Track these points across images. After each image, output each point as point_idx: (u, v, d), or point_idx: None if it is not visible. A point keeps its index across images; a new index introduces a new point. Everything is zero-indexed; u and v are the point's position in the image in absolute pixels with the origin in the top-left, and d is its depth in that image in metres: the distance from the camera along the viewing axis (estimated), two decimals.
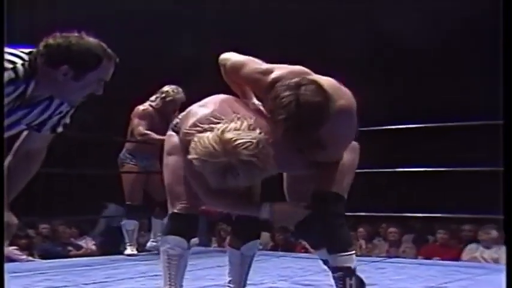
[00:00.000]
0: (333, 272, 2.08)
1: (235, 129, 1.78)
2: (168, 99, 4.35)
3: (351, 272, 2.05)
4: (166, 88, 4.41)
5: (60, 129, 1.74)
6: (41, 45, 1.57)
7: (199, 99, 2.11)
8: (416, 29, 6.98)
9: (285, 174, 2.31)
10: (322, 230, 2.07)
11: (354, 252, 2.08)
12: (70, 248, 6.20)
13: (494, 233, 5.32)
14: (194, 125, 1.92)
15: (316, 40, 7.35)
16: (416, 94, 7.78)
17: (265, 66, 2.04)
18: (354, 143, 2.17)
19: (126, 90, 4.99)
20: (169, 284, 2.12)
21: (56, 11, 6.43)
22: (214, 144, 1.76)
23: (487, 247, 5.34)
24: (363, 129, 2.20)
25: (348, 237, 2.13)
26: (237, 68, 2.07)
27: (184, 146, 1.95)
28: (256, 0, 6.92)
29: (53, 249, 5.99)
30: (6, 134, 1.62)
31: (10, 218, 1.61)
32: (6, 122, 1.58)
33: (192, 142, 1.83)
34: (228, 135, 1.76)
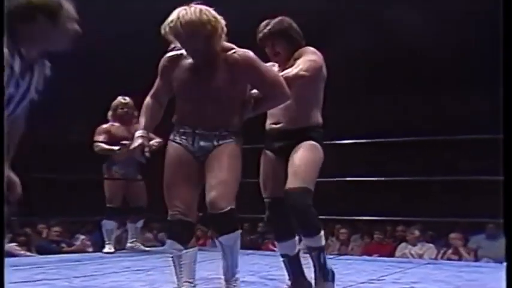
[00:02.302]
0: (309, 252, 2.27)
1: None
2: (118, 111, 4.25)
3: (323, 249, 2.28)
4: (115, 101, 4.28)
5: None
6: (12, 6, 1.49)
7: None
8: (378, 42, 6.97)
9: (261, 172, 2.36)
10: (296, 219, 2.20)
11: (322, 233, 2.25)
12: (63, 245, 6.12)
13: (417, 233, 5.73)
14: None
15: None
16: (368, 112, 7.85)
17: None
18: (316, 144, 2.28)
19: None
20: (177, 279, 2.09)
21: None
22: None
23: (413, 245, 5.66)
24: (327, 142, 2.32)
25: (317, 223, 2.25)
26: None
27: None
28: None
29: (48, 245, 5.89)
30: (24, 103, 1.56)
31: (13, 177, 1.57)
32: (20, 91, 1.52)
33: None
34: None
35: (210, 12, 1.98)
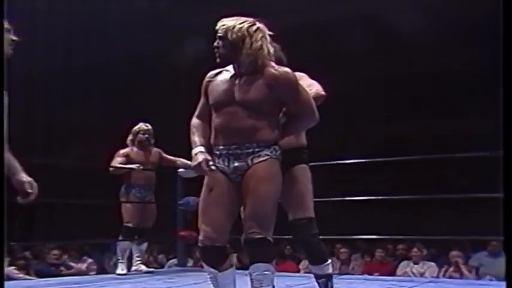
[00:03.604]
0: (316, 279, 2.36)
1: None
2: (139, 136, 4.32)
3: (330, 277, 2.38)
4: (137, 127, 4.36)
5: None
6: None
7: None
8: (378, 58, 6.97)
9: None
10: (304, 249, 2.34)
11: (330, 261, 2.37)
12: (62, 268, 6.09)
13: (424, 251, 5.73)
14: None
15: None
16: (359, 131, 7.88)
17: None
18: (307, 167, 2.36)
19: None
20: None
21: None
22: None
23: (416, 263, 5.65)
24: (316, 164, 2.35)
25: (324, 251, 2.36)
26: None
27: None
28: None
29: (46, 269, 5.86)
30: None
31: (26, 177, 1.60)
32: None
33: None
34: None
35: (245, 23, 2.03)
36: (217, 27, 2.06)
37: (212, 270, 2.05)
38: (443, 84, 7.36)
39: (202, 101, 2.18)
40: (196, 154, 2.05)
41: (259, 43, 2.02)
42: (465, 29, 6.60)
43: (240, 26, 2.02)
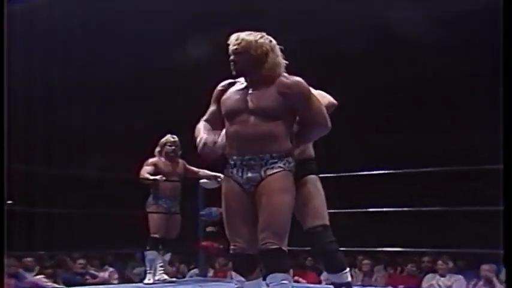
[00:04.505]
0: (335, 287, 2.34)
1: None
2: (166, 147, 4.38)
3: (349, 285, 2.36)
4: (164, 139, 4.42)
5: None
6: None
7: None
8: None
9: None
10: (322, 257, 2.34)
11: (348, 269, 2.35)
12: (87, 277, 6.22)
13: (450, 264, 5.59)
14: None
15: None
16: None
17: None
18: (317, 178, 2.38)
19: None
20: None
21: None
22: None
23: (443, 275, 5.52)
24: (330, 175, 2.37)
25: (343, 259, 2.35)
26: None
27: None
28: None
29: (72, 278, 5.98)
30: None
31: None
32: None
33: None
34: None
35: (265, 38, 2.11)
36: (234, 42, 2.11)
37: (241, 278, 2.09)
38: (466, 95, 7.27)
39: (212, 107, 2.23)
40: (201, 138, 2.09)
41: (279, 58, 2.10)
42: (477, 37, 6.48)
43: (263, 41, 2.09)
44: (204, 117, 2.24)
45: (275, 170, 2.05)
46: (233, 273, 2.18)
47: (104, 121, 8.47)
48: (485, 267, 5.41)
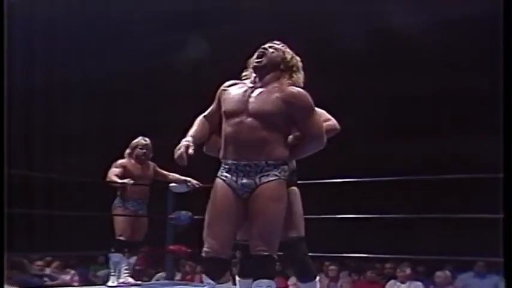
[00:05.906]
0: None
1: None
2: (137, 150, 4.34)
3: None
4: (135, 141, 4.38)
5: None
6: None
7: None
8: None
9: None
10: (296, 267, 2.44)
11: (318, 278, 2.47)
12: (46, 279, 6.07)
13: (408, 271, 5.80)
14: None
15: None
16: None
17: None
18: (296, 191, 2.43)
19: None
20: None
21: None
22: None
23: (403, 282, 5.74)
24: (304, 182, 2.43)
25: (313, 269, 2.46)
26: None
27: None
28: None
29: (29, 279, 5.81)
30: None
31: None
32: None
33: None
34: None
35: (296, 57, 2.24)
36: (269, 43, 2.20)
37: (211, 281, 2.10)
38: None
39: (213, 106, 2.26)
40: (181, 142, 2.12)
41: (301, 78, 2.20)
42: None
43: (295, 61, 2.22)
44: (204, 113, 2.27)
45: (270, 178, 2.07)
46: (203, 276, 2.16)
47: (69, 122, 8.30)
48: (438, 274, 5.61)
